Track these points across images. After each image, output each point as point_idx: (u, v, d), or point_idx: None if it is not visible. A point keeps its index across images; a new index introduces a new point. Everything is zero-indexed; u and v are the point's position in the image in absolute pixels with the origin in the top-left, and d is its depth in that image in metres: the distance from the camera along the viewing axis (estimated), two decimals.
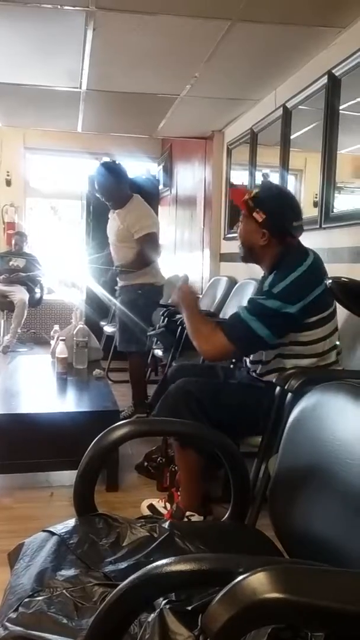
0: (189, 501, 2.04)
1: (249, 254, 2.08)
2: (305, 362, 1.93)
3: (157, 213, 4.49)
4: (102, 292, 4.05)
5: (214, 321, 2.15)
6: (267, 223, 1.97)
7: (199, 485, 2.04)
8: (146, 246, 3.44)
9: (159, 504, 2.25)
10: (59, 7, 2.77)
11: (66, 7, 2.77)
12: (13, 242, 6.06)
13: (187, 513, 2.02)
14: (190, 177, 5.59)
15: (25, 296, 5.72)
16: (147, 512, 2.21)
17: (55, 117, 4.99)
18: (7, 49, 3.44)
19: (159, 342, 3.55)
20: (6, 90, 4.12)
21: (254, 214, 1.98)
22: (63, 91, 4.10)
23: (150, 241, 3.47)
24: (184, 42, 3.13)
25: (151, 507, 2.25)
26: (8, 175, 6.21)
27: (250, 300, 1.96)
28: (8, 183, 6.23)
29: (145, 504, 2.28)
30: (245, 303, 1.99)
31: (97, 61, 3.45)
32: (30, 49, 3.39)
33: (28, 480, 2.57)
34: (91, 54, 3.35)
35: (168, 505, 2.20)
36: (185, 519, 2.00)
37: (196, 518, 2.00)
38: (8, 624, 1.00)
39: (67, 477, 2.61)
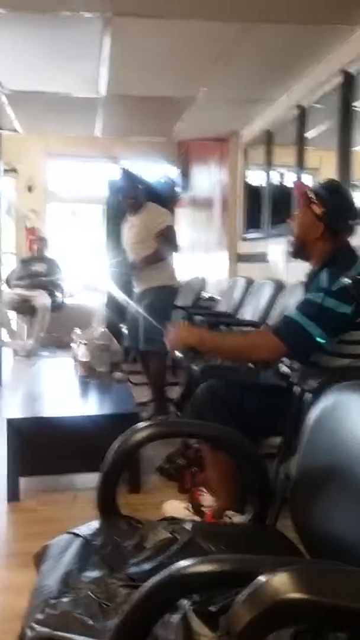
0: (228, 502, 2.03)
1: (301, 248, 2.03)
2: (340, 362, 1.86)
3: (175, 215, 4.52)
4: (121, 295, 4.09)
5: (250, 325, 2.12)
6: (324, 217, 1.94)
7: (234, 485, 2.01)
8: (164, 239, 3.55)
9: (181, 507, 2.24)
10: (76, 14, 2.81)
11: (84, 14, 2.81)
12: (35, 247, 6.13)
13: (229, 513, 2.01)
14: (207, 178, 5.59)
15: (47, 300, 5.78)
16: (169, 514, 2.22)
17: (75, 123, 5.05)
18: (26, 57, 3.50)
19: None
20: (26, 98, 4.18)
21: (313, 206, 1.96)
22: (82, 97, 4.15)
23: (167, 234, 3.58)
24: (199, 45, 3.15)
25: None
26: (29, 182, 6.28)
27: (305, 301, 1.88)
28: (29, 189, 6.30)
29: (167, 505, 2.28)
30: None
31: (114, 66, 3.49)
32: (48, 56, 3.45)
33: (51, 483, 2.59)
34: (109, 60, 3.39)
35: (191, 508, 2.20)
36: (227, 519, 1.99)
37: (238, 518, 1.96)
38: (35, 625, 1.02)
39: (90, 479, 2.61)
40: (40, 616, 1.04)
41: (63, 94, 4.11)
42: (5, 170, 5.24)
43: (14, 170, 6.23)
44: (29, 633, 1.02)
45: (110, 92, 4.00)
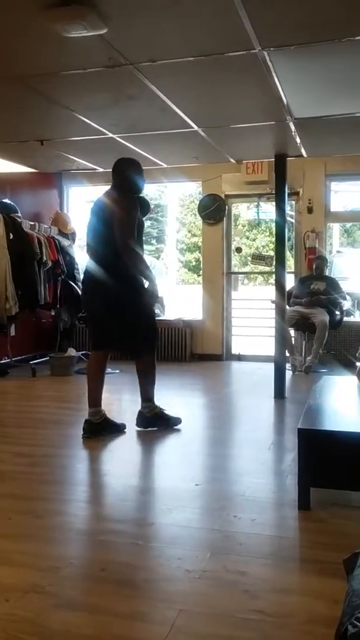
0: None
1: None
2: None
3: None
4: None
5: None
6: None
7: None
8: None
9: None
10: None
11: None
12: (314, 266, 6.28)
13: None
14: None
15: (326, 318, 5.86)
16: None
17: (359, 143, 5.04)
18: (311, 86, 3.66)
19: None
20: (310, 124, 4.35)
21: None
22: None
23: None
24: None
25: None
26: (310, 203, 6.48)
27: None
28: (310, 210, 6.50)
29: None
30: None
31: None
32: (335, 81, 3.54)
33: (342, 498, 2.62)
34: None
35: None
36: None
37: None
38: (357, 623, 1.08)
39: None
40: None
41: (349, 115, 4.15)
42: (288, 194, 5.50)
43: (295, 194, 6.51)
44: (351, 629, 1.09)
45: None
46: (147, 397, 3.77)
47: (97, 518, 2.50)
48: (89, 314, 3.86)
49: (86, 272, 3.72)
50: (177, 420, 3.84)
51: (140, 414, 3.78)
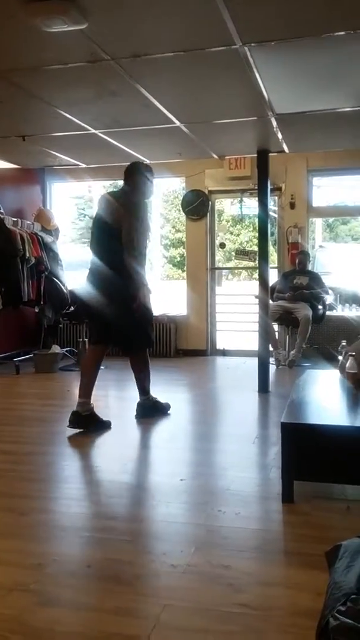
0: None
1: None
2: None
3: None
4: None
5: None
6: None
7: None
8: None
9: None
10: (352, 32, 2.86)
11: (359, 31, 2.85)
12: (297, 261, 6.32)
13: None
14: None
15: (309, 312, 5.90)
16: None
17: (340, 137, 5.07)
18: (292, 82, 3.67)
19: None
20: (292, 120, 4.37)
21: None
22: (349, 111, 4.16)
23: None
24: None
25: None
26: (292, 199, 6.51)
27: None
28: (292, 206, 6.53)
29: None
30: None
31: None
32: (316, 76, 3.55)
33: (324, 490, 2.65)
34: None
35: None
36: None
37: None
38: (338, 615, 1.10)
39: None
40: (342, 608, 1.12)
41: (329, 110, 4.17)
42: (271, 190, 5.52)
43: (278, 189, 6.54)
44: (332, 622, 1.10)
45: None
46: (144, 390, 3.99)
47: (82, 515, 2.50)
48: (93, 308, 3.84)
49: (91, 269, 3.82)
50: (168, 406, 4.10)
51: (139, 405, 4.01)
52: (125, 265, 3.60)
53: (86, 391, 3.74)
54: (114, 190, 4.41)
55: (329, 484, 2.68)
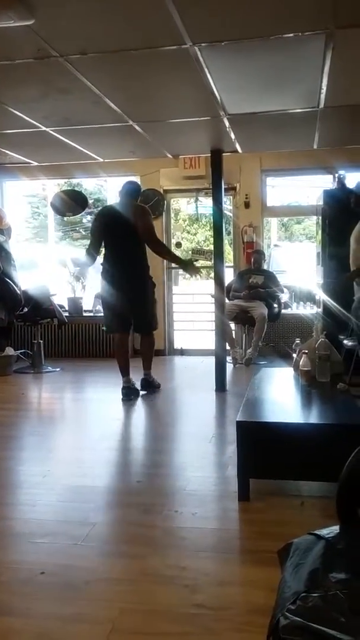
0: None
1: None
2: None
3: None
4: (338, 307, 4.04)
5: None
6: None
7: None
8: None
9: None
10: (299, 34, 2.90)
11: (306, 33, 2.89)
12: (252, 260, 6.38)
13: None
14: None
15: (265, 311, 5.96)
16: None
17: (291, 138, 5.15)
18: (242, 82, 3.70)
19: None
20: (244, 120, 4.41)
21: None
22: (299, 112, 4.23)
23: None
24: None
25: None
26: (247, 198, 6.56)
27: None
28: (247, 205, 6.58)
29: None
30: None
31: (335, 78, 3.50)
32: (266, 77, 3.60)
33: (278, 487, 2.68)
34: (329, 73, 3.41)
35: None
36: None
37: None
38: (289, 615, 1.11)
39: (317, 488, 2.67)
40: (292, 607, 1.12)
41: (280, 111, 4.23)
42: (225, 189, 5.54)
43: (232, 189, 6.58)
44: (282, 621, 1.11)
45: (329, 104, 4.01)
46: (148, 367, 4.82)
47: (36, 521, 2.45)
48: (113, 303, 4.57)
49: (108, 268, 4.59)
50: (159, 384, 4.92)
51: (143, 379, 4.79)
52: (144, 260, 4.60)
53: (126, 371, 4.61)
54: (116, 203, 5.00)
55: (284, 481, 2.71)
